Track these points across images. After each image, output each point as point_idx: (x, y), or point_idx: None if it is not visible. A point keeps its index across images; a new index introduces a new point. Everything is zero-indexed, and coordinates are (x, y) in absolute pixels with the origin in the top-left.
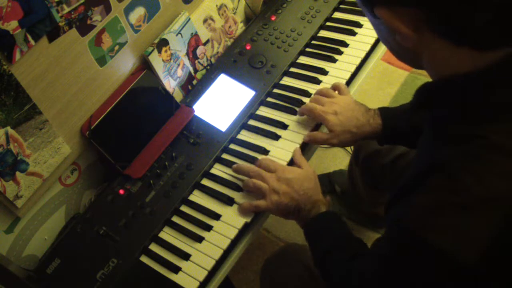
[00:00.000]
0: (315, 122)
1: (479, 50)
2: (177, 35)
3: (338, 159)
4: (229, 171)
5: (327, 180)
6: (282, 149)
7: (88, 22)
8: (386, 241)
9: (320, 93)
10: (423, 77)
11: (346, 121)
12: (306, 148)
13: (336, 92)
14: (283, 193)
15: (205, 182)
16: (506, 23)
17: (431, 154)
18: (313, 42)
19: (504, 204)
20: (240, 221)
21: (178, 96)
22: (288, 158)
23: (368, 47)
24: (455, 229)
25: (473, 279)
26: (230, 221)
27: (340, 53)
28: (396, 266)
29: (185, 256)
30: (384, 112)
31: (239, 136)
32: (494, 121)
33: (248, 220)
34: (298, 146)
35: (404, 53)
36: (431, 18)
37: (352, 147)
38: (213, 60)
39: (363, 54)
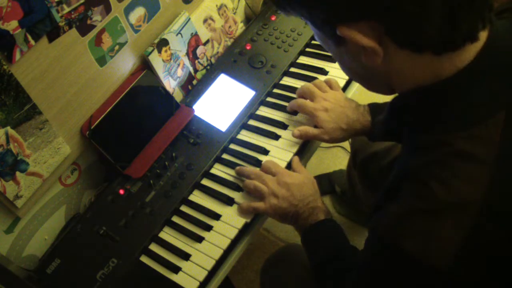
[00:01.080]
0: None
1: (440, 54)
2: (177, 35)
3: (338, 159)
4: (229, 171)
5: (327, 180)
6: (282, 149)
7: (88, 22)
8: (366, 249)
9: (314, 84)
10: None
11: (337, 118)
12: (306, 148)
13: (328, 87)
14: (282, 197)
15: (205, 182)
16: (459, 20)
17: (402, 163)
18: (313, 42)
19: (471, 207)
20: (240, 221)
21: (178, 96)
22: (288, 158)
23: None
24: (426, 235)
25: (449, 282)
26: (230, 221)
27: None
28: (374, 275)
29: (185, 256)
30: (373, 108)
31: (239, 136)
32: (457, 129)
33: (248, 220)
34: (296, 156)
35: (373, 76)
36: (388, 27)
37: (349, 150)
38: (213, 60)
39: None
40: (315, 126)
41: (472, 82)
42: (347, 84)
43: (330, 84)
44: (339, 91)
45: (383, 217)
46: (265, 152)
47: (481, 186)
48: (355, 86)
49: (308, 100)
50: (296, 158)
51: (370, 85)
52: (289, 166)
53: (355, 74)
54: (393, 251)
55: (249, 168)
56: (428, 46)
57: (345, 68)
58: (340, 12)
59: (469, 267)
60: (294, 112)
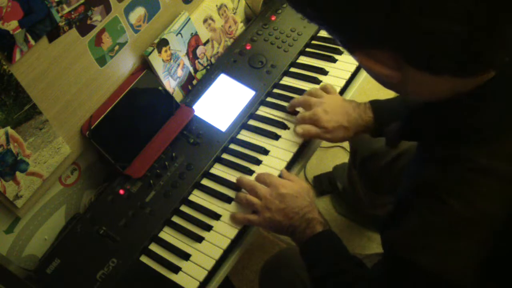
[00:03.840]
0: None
1: (460, 77)
2: (177, 35)
3: (338, 159)
4: (229, 171)
5: (327, 180)
6: (282, 149)
7: (88, 22)
8: (380, 266)
9: (308, 93)
10: None
11: (337, 117)
12: (306, 148)
13: (324, 92)
14: (276, 210)
15: (205, 182)
16: (479, 53)
17: (419, 175)
18: (313, 42)
19: (491, 224)
20: None
21: (178, 96)
22: (288, 159)
23: None
24: (446, 252)
25: None
26: (230, 221)
27: (340, 53)
28: None
29: (185, 256)
30: (375, 104)
31: (239, 136)
32: (479, 144)
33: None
34: (283, 167)
35: (389, 86)
36: (407, 55)
37: (349, 150)
38: (213, 60)
39: None
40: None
41: (494, 97)
42: (347, 83)
43: (325, 90)
44: (335, 94)
45: (399, 232)
46: (265, 152)
47: (501, 202)
48: (356, 86)
49: (306, 111)
50: (284, 170)
51: (386, 87)
52: (289, 166)
53: (373, 77)
54: (411, 267)
55: (245, 180)
56: (448, 72)
57: (363, 68)
58: (358, 40)
59: (489, 283)
60: (294, 112)
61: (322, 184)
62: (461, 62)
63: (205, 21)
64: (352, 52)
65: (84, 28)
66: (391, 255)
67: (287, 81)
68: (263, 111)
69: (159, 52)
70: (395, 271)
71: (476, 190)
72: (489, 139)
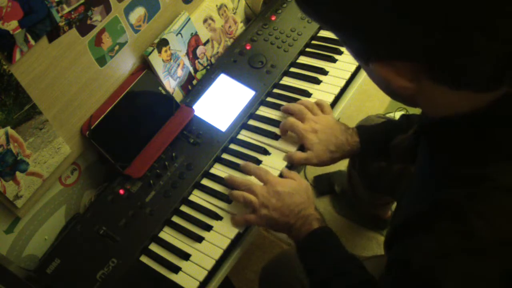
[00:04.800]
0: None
1: (480, 92)
2: (177, 35)
3: None
4: (229, 171)
5: (326, 180)
6: (282, 149)
7: (88, 22)
8: (392, 282)
9: (305, 106)
10: None
11: (325, 140)
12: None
13: (320, 110)
14: (273, 208)
15: (205, 182)
16: (504, 67)
17: (435, 193)
18: (313, 42)
19: None
20: None
21: (178, 96)
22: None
23: None
24: (469, 275)
25: None
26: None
27: (340, 53)
28: None
29: (185, 256)
30: (361, 130)
31: (239, 136)
32: (500, 161)
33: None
34: (284, 165)
35: (398, 97)
36: (434, 69)
37: None
38: (213, 60)
39: None
40: (302, 148)
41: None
42: (347, 84)
43: (322, 108)
44: (330, 115)
45: (416, 253)
46: (265, 152)
47: None
48: (355, 86)
49: (298, 121)
50: (285, 169)
51: (393, 99)
52: (289, 166)
53: (381, 88)
54: None
55: (239, 178)
56: (470, 86)
57: (370, 78)
58: (378, 50)
59: None
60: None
61: (322, 184)
62: (489, 78)
63: (205, 21)
64: (368, 61)
65: (84, 28)
66: (409, 275)
67: (287, 81)
68: (263, 111)
69: (159, 52)
70: None
71: (499, 210)
72: (510, 156)
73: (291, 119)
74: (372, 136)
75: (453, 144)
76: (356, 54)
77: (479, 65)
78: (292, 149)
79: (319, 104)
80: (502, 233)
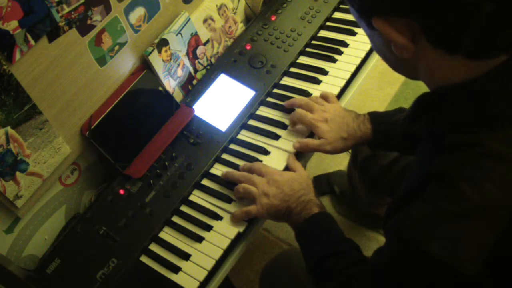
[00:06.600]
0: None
1: (474, 59)
2: (177, 35)
3: (338, 159)
4: (229, 171)
5: (326, 181)
6: (282, 149)
7: (88, 22)
8: (386, 252)
9: (310, 98)
10: None
11: (337, 127)
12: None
13: (325, 101)
14: (273, 195)
15: (205, 182)
16: (498, 33)
17: (429, 163)
18: (313, 42)
19: (502, 210)
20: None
21: (178, 96)
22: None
23: (368, 47)
24: (455, 239)
25: None
26: (230, 221)
27: (340, 53)
28: (395, 277)
29: (185, 256)
30: (373, 116)
31: (239, 136)
32: (490, 129)
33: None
34: (292, 153)
35: (400, 64)
36: (426, 28)
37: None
38: (213, 60)
39: (363, 54)
40: (313, 137)
41: (506, 81)
42: (347, 84)
43: (326, 98)
44: (336, 103)
45: (406, 219)
46: (265, 152)
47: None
48: (355, 86)
49: (307, 112)
50: (292, 156)
51: (396, 69)
52: (281, 170)
53: (384, 57)
54: (419, 254)
55: (237, 172)
56: (463, 51)
57: (375, 48)
58: (380, 5)
59: (498, 272)
60: (291, 111)
61: (322, 185)
62: (479, 41)
63: (205, 21)
64: (369, 15)
65: (84, 28)
66: (399, 242)
67: (287, 81)
68: (263, 111)
69: (159, 52)
70: (403, 259)
71: (488, 176)
72: (501, 124)
73: (300, 110)
74: (385, 124)
75: (448, 115)
76: (359, 16)
77: (467, 25)
78: (293, 149)
79: (323, 96)
80: (491, 198)
